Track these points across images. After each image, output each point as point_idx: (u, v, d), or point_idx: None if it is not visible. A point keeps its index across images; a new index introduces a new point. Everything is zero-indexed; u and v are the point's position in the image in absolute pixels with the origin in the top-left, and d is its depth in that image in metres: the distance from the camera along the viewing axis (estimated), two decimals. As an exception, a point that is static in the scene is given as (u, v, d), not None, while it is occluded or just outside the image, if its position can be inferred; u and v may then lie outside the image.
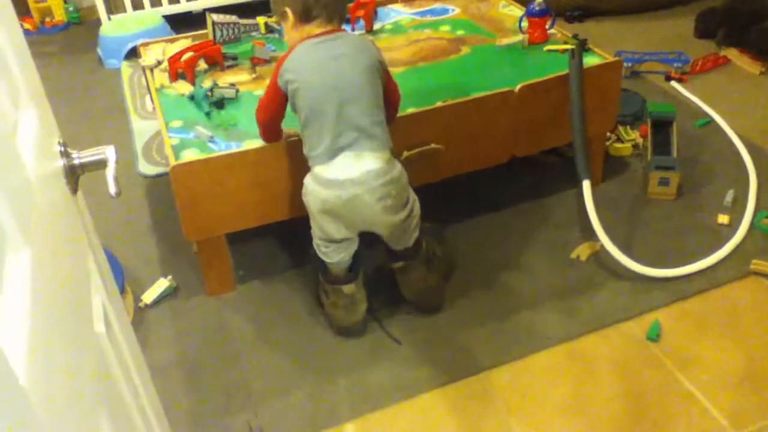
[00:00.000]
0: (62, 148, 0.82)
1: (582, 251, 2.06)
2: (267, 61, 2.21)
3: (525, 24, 2.34)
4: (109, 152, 0.84)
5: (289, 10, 1.64)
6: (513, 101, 2.02)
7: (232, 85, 2.06)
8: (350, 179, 1.59)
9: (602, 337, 1.80)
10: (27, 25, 3.97)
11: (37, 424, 0.48)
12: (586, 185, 2.02)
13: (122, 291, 1.94)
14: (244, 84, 2.12)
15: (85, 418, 0.63)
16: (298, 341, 1.83)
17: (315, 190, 1.63)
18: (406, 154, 1.93)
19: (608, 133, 2.43)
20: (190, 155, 1.80)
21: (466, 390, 1.68)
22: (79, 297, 0.72)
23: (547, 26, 2.31)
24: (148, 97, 3.01)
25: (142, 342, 1.85)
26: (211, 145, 1.83)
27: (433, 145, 1.96)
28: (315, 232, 1.73)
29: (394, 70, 2.18)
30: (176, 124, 1.95)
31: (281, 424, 1.62)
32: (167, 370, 1.78)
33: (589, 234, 2.05)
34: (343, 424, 1.61)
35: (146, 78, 2.25)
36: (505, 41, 2.32)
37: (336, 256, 1.73)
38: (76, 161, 0.84)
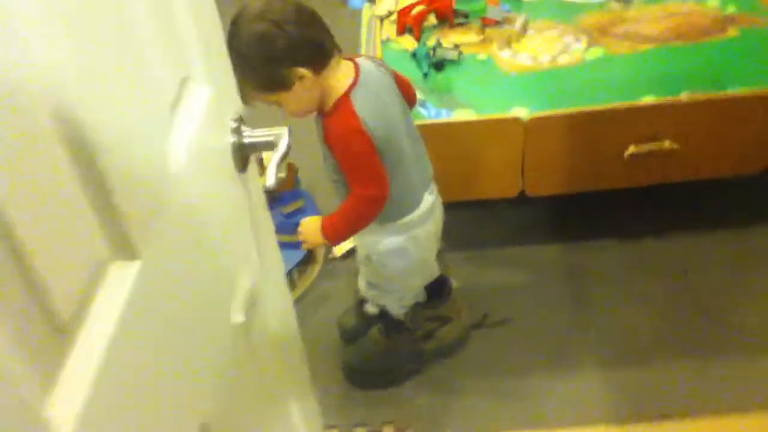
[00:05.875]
0: (235, 125, 0.78)
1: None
2: (498, 23, 2.05)
3: (819, 7, 1.91)
4: (280, 137, 0.78)
5: (303, 70, 1.20)
6: (781, 103, 1.68)
7: (457, 46, 1.95)
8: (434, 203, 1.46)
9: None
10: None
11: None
12: None
13: (316, 239, 1.97)
14: (469, 46, 1.99)
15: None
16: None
17: (419, 235, 1.42)
18: (632, 149, 1.69)
19: None
20: (398, 117, 1.73)
21: None
22: (212, 280, 0.68)
23: None
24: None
25: (325, 293, 1.88)
26: (420, 109, 1.75)
27: (667, 144, 1.69)
28: (409, 293, 1.56)
29: (638, 47, 1.91)
30: (392, 81, 1.89)
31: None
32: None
33: None
34: (504, 432, 1.51)
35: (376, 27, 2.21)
36: (788, 26, 1.93)
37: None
38: (247, 140, 0.79)
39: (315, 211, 1.98)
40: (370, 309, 1.61)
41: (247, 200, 0.84)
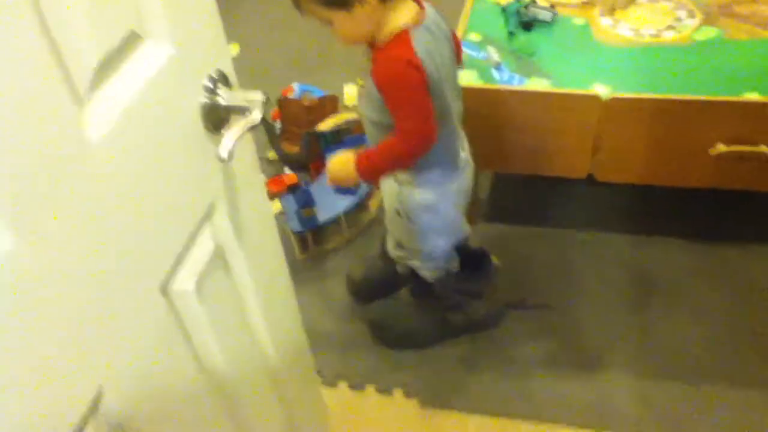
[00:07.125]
0: (210, 84, 0.75)
1: None
2: (606, -15, 1.87)
3: None
4: (254, 105, 0.73)
5: None
6: None
7: (552, 7, 1.79)
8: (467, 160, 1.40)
9: None
10: None
11: None
12: None
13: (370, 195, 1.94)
14: (567, 7, 1.83)
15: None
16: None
17: (451, 191, 1.37)
18: (721, 147, 1.52)
19: None
20: (468, 78, 1.63)
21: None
22: (138, 253, 0.67)
23: None
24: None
25: (370, 243, 1.84)
26: (493, 71, 1.64)
27: (764, 148, 1.50)
28: (438, 255, 1.47)
29: (758, 33, 1.69)
30: (474, 37, 1.77)
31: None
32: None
33: None
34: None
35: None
36: None
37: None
38: (221, 102, 0.75)
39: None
40: (400, 269, 1.57)
41: (219, 163, 0.80)
